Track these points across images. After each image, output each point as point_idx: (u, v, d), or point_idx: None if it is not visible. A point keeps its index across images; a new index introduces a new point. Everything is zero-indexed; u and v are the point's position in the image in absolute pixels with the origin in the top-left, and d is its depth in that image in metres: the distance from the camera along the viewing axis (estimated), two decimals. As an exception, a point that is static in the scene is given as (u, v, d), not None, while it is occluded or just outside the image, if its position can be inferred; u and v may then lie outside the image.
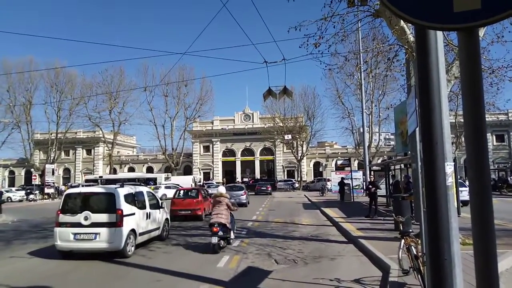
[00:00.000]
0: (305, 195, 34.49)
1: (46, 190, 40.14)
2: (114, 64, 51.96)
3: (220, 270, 7.61)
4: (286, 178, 54.46)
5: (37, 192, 39.84)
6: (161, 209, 11.37)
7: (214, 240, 9.26)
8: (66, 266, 8.36)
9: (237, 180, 53.26)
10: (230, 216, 9.99)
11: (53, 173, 43.35)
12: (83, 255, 8.88)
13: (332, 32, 9.45)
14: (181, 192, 19.16)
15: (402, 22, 8.73)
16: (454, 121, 33.70)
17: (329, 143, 63.11)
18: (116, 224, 8.64)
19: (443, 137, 3.18)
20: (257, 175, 56.80)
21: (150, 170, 62.35)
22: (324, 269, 7.46)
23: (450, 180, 3.77)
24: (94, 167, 61.29)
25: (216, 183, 45.20)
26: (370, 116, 38.26)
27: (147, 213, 10.21)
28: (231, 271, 7.45)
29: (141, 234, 9.71)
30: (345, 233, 11.81)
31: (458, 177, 12.97)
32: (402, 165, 19.56)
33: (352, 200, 24.54)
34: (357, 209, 18.49)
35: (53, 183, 42.39)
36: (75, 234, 8.67)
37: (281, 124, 48.51)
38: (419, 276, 5.54)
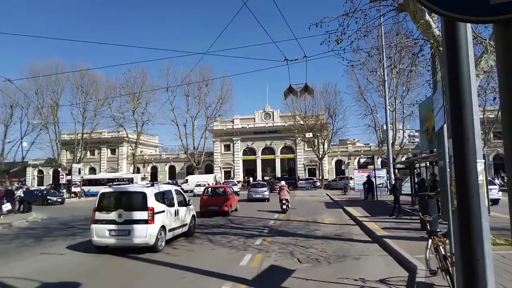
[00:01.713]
0: (327, 194, 34.15)
1: (73, 189, 41.38)
2: (137, 65, 53.10)
3: (243, 268, 7.63)
4: (307, 176, 54.10)
5: (64, 191, 41.14)
6: (188, 206, 11.86)
7: (284, 207, 18.59)
8: (94, 262, 8.60)
9: (258, 179, 53.40)
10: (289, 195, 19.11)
11: (79, 173, 44.68)
12: (117, 250, 9.27)
13: (354, 28, 9.30)
14: (210, 189, 20.19)
15: (427, 16, 8.49)
16: (482, 117, 32.56)
17: (351, 141, 62.21)
18: (147, 221, 9.14)
19: (474, 134, 3.07)
20: (278, 173, 56.67)
21: (172, 169, 63.38)
22: (348, 269, 7.36)
23: (481, 178, 3.61)
24: (118, 166, 62.72)
25: (237, 181, 47.34)
26: (394, 113, 37.41)
27: (175, 210, 10.72)
28: (253, 270, 7.46)
29: (170, 230, 10.19)
30: (369, 232, 11.61)
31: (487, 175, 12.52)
32: (427, 163, 19.06)
33: (375, 198, 24.14)
34: (381, 208, 18.16)
35: (80, 182, 43.67)
36: (110, 230, 9.23)
37: (302, 122, 48.17)
38: (447, 277, 5.39)
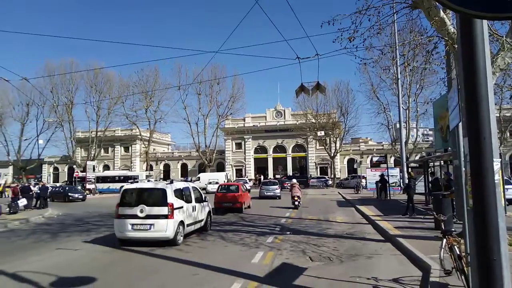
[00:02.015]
0: (339, 193, 33.97)
1: (87, 186, 42.08)
2: (149, 64, 53.61)
3: (255, 265, 7.67)
4: (319, 175, 53.88)
5: (79, 187, 41.86)
6: (204, 203, 12.39)
7: (296, 203, 19.99)
8: (108, 258, 8.76)
9: (269, 177, 53.44)
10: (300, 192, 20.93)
11: (93, 170, 45.46)
12: (137, 244, 9.72)
13: (367, 25, 9.19)
14: (224, 187, 20.86)
15: (442, 13, 8.36)
16: (498, 115, 31.89)
17: (364, 139, 61.66)
18: (167, 216, 9.63)
19: (491, 132, 3.03)
20: (289, 172, 56.59)
21: (184, 166, 63.88)
22: (360, 268, 7.33)
23: (497, 177, 3.55)
24: (132, 164, 63.51)
25: (249, 179, 47.85)
26: (407, 111, 36.92)
27: (192, 206, 11.22)
28: (265, 267, 7.49)
29: (188, 225, 10.70)
30: (382, 231, 11.53)
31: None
32: (441, 161, 18.80)
33: (388, 197, 23.92)
34: (394, 207, 17.99)
35: (94, 179, 44.40)
36: (132, 224, 9.68)
37: (313, 121, 47.94)
38: (462, 277, 5.33)
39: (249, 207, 20.29)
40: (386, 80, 37.09)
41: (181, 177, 59.01)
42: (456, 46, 7.81)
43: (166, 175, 62.71)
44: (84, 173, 45.07)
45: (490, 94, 3.24)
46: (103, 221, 15.60)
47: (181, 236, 10.17)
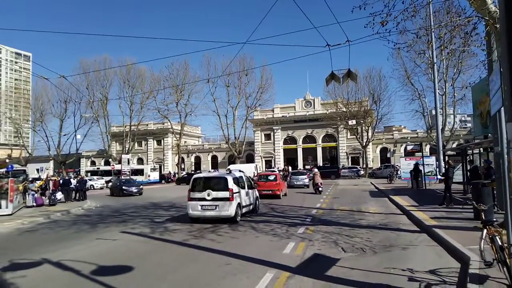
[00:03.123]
0: (371, 183, 33.27)
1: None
2: (179, 58, 54.46)
3: (287, 256, 7.68)
4: (350, 165, 52.98)
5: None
6: (254, 190, 14.98)
7: (320, 189, 22.81)
8: (145, 248, 9.07)
9: (299, 168, 53.18)
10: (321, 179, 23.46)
11: (128, 163, 47.00)
12: (208, 221, 12.25)
13: (400, 8, 8.85)
14: (263, 176, 23.45)
15: (481, -10, 7.89)
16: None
17: (397, 128, 59.86)
18: (229, 198, 11.97)
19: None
20: (320, 162, 56.03)
21: (214, 158, 64.80)
22: (395, 259, 7.16)
23: (544, 165, 3.33)
24: (164, 157, 65.17)
25: (278, 170, 47.22)
26: (444, 97, 35.40)
27: (245, 192, 13.55)
28: (297, 258, 7.48)
29: (243, 207, 13.03)
30: (417, 222, 11.20)
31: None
32: (481, 149, 17.94)
33: (424, 187, 23.18)
34: (430, 197, 17.42)
35: (129, 171, 45.94)
36: (201, 205, 12.14)
37: (344, 109, 47.02)
38: (504, 268, 5.08)
39: (285, 194, 22.48)
40: (421, 65, 35.65)
41: (211, 168, 59.91)
42: (498, 26, 7.35)
43: (197, 167, 63.91)
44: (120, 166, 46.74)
45: (537, 76, 3.03)
46: (138, 212, 16.16)
47: (239, 215, 12.41)
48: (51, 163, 64.63)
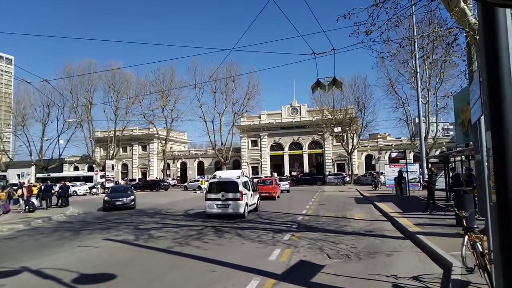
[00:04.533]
0: (356, 189, 33.59)
1: (107, 185, 42.86)
2: (165, 63, 54.14)
3: (272, 263, 7.66)
4: (336, 171, 53.41)
5: (98, 186, 42.71)
6: (256, 191, 17.93)
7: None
8: (128, 255, 8.91)
9: (285, 174, 53.34)
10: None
11: (112, 169, 46.31)
12: (220, 217, 14.69)
13: (384, 18, 9.02)
14: (261, 181, 27.00)
15: (462, 3, 8.12)
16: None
17: (382, 135, 60.76)
18: (239, 199, 14.65)
19: (515, 125, 2.92)
20: (306, 169, 56.32)
21: (200, 164, 64.41)
22: (379, 265, 7.22)
23: (522, 172, 3.43)
24: (149, 162, 64.44)
25: (265, 176, 47.46)
26: (427, 105, 36.09)
27: (250, 194, 16.20)
28: (283, 264, 7.47)
29: (249, 205, 15.67)
30: (401, 228, 11.33)
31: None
32: (463, 156, 18.35)
33: (408, 194, 23.51)
34: (414, 204, 17.67)
35: (113, 177, 45.25)
36: (217, 204, 14.80)
37: (330, 117, 47.49)
38: (485, 274, 5.18)
39: (278, 196, 25.78)
40: (405, 74, 36.28)
41: (198, 175, 59.51)
42: (477, 37, 7.56)
43: (183, 173, 63.41)
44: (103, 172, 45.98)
45: (514, 86, 3.13)
46: (122, 219, 15.89)
47: (247, 212, 15.21)
48: (33, 169, 63.12)
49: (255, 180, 38.43)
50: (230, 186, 14.98)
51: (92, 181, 46.13)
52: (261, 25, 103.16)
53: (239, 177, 15.73)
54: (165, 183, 48.61)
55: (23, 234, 12.88)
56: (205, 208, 15.10)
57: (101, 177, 48.28)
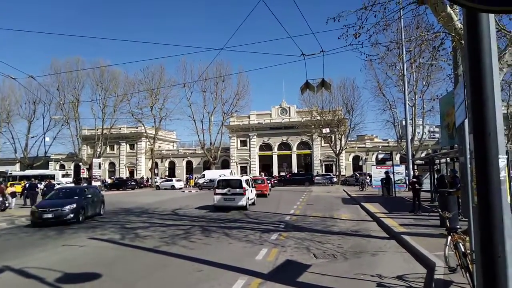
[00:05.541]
0: (344, 190, 33.88)
1: (93, 183, 42.32)
2: (154, 61, 53.70)
3: (259, 262, 7.68)
4: (324, 172, 53.76)
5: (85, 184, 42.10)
6: (254, 188, 21.15)
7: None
8: (113, 254, 8.82)
9: (274, 174, 53.46)
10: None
11: (99, 167, 45.76)
12: (224, 209, 17.50)
13: (372, 21, 9.11)
14: (255, 180, 28.21)
15: (448, 8, 8.27)
16: (506, 112, 31.53)
17: (369, 137, 61.45)
18: (243, 193, 17.61)
19: (496, 128, 2.99)
20: (294, 169, 56.55)
21: (189, 164, 64.11)
22: (365, 265, 7.31)
23: (503, 174, 3.51)
24: (137, 161, 63.83)
25: (253, 176, 47.88)
26: (413, 108, 36.59)
27: (250, 190, 19.19)
28: (269, 264, 7.50)
29: (249, 199, 18.61)
30: (387, 228, 11.48)
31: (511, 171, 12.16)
32: (448, 159, 18.67)
33: (394, 195, 23.82)
34: (400, 205, 17.91)
35: (99, 176, 44.68)
36: (224, 198, 17.74)
37: (318, 118, 47.78)
38: (467, 274, 5.29)
39: (268, 194, 28.62)
40: (392, 77, 36.71)
41: (186, 174, 59.25)
42: (462, 42, 7.71)
43: (171, 172, 63.05)
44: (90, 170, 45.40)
45: (497, 90, 3.20)
46: (108, 218, 15.71)
47: (248, 205, 18.08)
48: (17, 166, 61.92)
49: None
50: (235, 183, 18.11)
51: (54, 179, 43.15)
52: (251, 25, 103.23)
53: (243, 176, 19.00)
54: (132, 183, 48.10)
55: (6, 233, 12.63)
56: (213, 201, 17.92)
57: (63, 175, 47.68)
